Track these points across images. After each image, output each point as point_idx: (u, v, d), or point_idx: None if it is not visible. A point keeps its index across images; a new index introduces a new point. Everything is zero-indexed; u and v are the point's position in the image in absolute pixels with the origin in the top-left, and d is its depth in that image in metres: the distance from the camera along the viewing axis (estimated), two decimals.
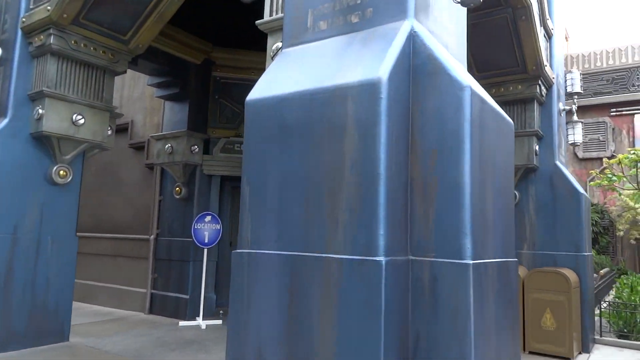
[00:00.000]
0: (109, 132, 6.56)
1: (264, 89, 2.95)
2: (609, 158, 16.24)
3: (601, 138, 17.57)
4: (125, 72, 6.94)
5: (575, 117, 7.25)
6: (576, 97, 7.14)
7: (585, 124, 18.69)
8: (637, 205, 14.33)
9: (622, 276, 13.37)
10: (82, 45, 5.82)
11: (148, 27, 6.17)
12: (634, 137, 16.60)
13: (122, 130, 9.37)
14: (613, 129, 16.74)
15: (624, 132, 16.75)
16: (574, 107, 7.21)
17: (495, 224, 2.73)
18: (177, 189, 8.00)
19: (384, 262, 2.24)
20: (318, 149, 2.53)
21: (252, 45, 8.28)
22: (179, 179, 7.96)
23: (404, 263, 2.43)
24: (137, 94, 9.29)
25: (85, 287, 9.16)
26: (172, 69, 7.68)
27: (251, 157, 2.81)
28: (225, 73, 8.32)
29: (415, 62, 2.64)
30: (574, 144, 7.06)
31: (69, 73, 5.82)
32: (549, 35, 7.03)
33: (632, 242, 15.70)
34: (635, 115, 16.70)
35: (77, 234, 6.32)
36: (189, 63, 7.88)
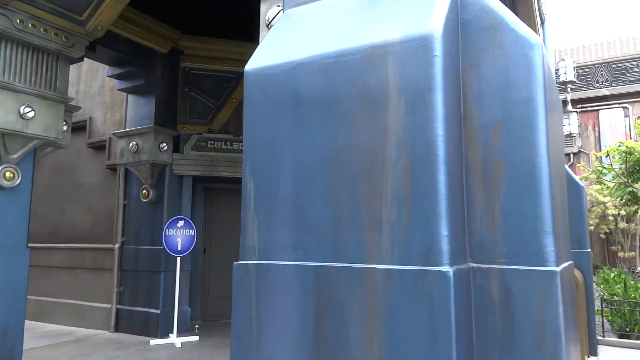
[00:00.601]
0: (65, 128, 5.74)
1: (267, 56, 2.32)
2: (575, 154, 16.42)
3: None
4: (82, 59, 6.14)
5: (569, 107, 6.94)
6: (570, 85, 6.83)
7: None
8: (605, 200, 14.44)
9: (596, 271, 13.40)
10: (29, 25, 4.99)
11: (108, 7, 5.40)
12: (599, 132, 16.80)
13: (79, 128, 8.47)
14: (579, 125, 16.90)
15: (590, 128, 16.93)
16: (568, 97, 6.90)
17: (563, 219, 2.21)
18: (144, 191, 7.21)
19: (451, 274, 1.66)
20: (348, 125, 1.94)
21: (224, 34, 7.60)
22: (146, 180, 7.17)
23: (466, 272, 1.87)
24: (95, 87, 8.40)
25: (41, 305, 8.20)
26: (135, 58, 6.89)
27: (255, 141, 2.18)
28: (195, 63, 7.60)
29: (465, 15, 2.08)
30: (569, 135, 6.74)
31: (15, 58, 4.98)
32: (542, 21, 6.69)
33: (602, 236, 15.87)
34: (600, 111, 16.92)
35: (29, 244, 5.47)
36: (154, 52, 7.11)
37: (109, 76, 7.20)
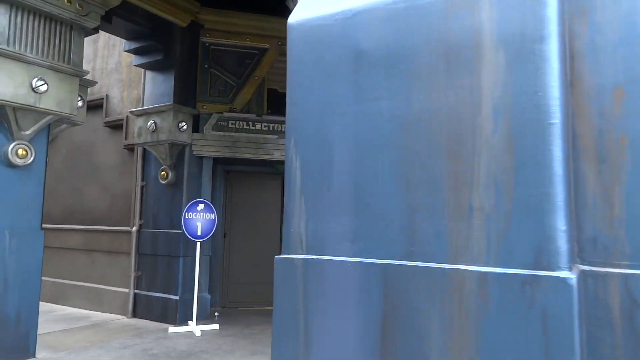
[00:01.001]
0: (80, 104, 5.42)
1: (316, 4, 1.90)
2: None
3: None
4: (97, 31, 5.78)
5: None
6: None
7: None
8: None
9: None
10: None
11: None
12: None
13: (96, 106, 8.17)
14: None
15: None
16: None
17: None
18: (163, 172, 6.89)
19: (574, 281, 1.26)
20: (424, 86, 1.52)
21: (246, 7, 7.16)
22: (165, 161, 6.84)
23: (579, 277, 1.46)
24: (112, 64, 8.07)
25: (57, 287, 8.01)
26: (153, 32, 6.51)
27: (302, 109, 1.78)
28: (216, 38, 7.19)
29: None
30: None
31: (26, 27, 4.64)
32: None
33: None
34: None
35: (44, 226, 5.20)
36: (173, 25, 6.72)
37: (126, 51, 6.84)
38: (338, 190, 1.64)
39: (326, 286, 1.62)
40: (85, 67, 8.29)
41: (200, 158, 7.07)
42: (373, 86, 1.61)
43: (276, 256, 1.76)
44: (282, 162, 7.45)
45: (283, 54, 7.41)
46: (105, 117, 7.97)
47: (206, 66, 7.13)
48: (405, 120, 1.54)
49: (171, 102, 6.57)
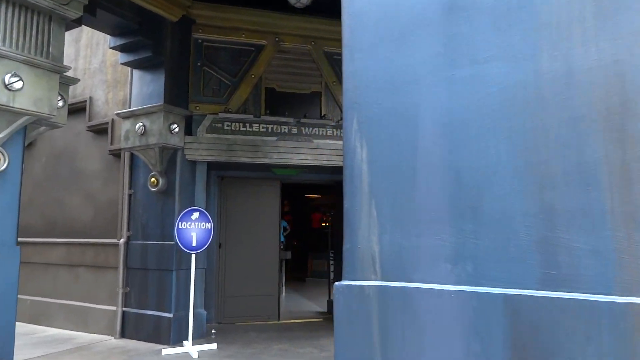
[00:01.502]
0: (60, 103, 4.87)
1: None
2: None
3: None
4: (80, 23, 5.26)
5: None
6: None
7: None
8: None
9: None
10: None
11: None
12: None
13: (78, 110, 7.60)
14: None
15: None
16: None
17: None
18: (153, 179, 6.34)
19: None
20: (564, 35, 1.06)
21: (240, 1, 6.69)
22: (155, 166, 6.30)
23: None
24: (96, 64, 7.51)
25: (38, 306, 7.38)
26: (141, 27, 5.99)
27: (368, 77, 1.30)
28: (209, 34, 6.69)
29: None
30: None
31: None
32: None
33: None
34: None
35: (21, 240, 4.63)
36: (163, 20, 6.21)
37: (112, 48, 6.31)
38: (429, 190, 1.17)
39: (416, 326, 1.14)
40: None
41: (194, 163, 6.55)
42: (478, 43, 1.15)
43: (336, 283, 1.28)
44: (281, 166, 6.96)
45: (281, 50, 6.95)
46: (89, 120, 7.39)
47: (199, 64, 6.63)
48: (530, 88, 1.08)
49: (161, 103, 6.05)
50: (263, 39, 6.85)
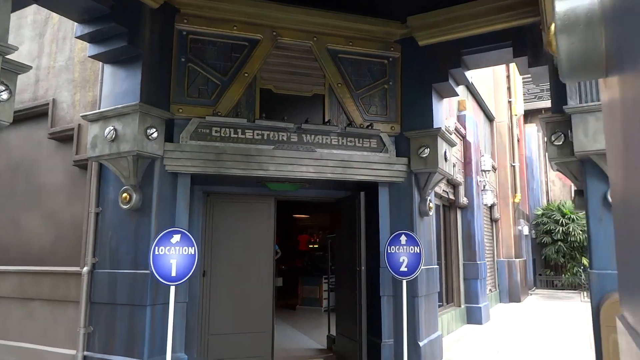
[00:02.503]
0: (4, 96, 3.81)
1: None
2: None
3: None
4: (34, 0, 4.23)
5: None
6: None
7: None
8: None
9: None
10: None
11: None
12: None
13: (39, 115, 6.52)
14: None
15: None
16: None
17: None
18: (125, 195, 5.26)
19: None
20: None
21: None
22: (128, 179, 5.22)
23: None
24: (61, 61, 6.46)
25: None
26: (114, 12, 4.98)
27: None
28: (195, 26, 5.73)
29: None
30: None
31: None
32: None
33: None
34: None
35: None
36: (141, 5, 5.23)
37: (78, 37, 5.27)
38: None
39: None
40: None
41: (175, 175, 5.50)
42: None
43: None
44: (278, 180, 5.95)
45: (279, 47, 6.02)
46: (51, 127, 6.30)
47: (183, 60, 5.64)
48: None
49: (137, 102, 5.02)
50: (258, 33, 5.92)
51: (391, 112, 6.37)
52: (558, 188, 22.09)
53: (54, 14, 6.51)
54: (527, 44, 5.71)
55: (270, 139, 5.73)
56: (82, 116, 5.43)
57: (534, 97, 21.60)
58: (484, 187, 11.47)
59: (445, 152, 6.27)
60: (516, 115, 16.18)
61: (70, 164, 6.07)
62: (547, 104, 18.48)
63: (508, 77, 16.08)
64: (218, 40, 5.82)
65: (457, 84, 6.51)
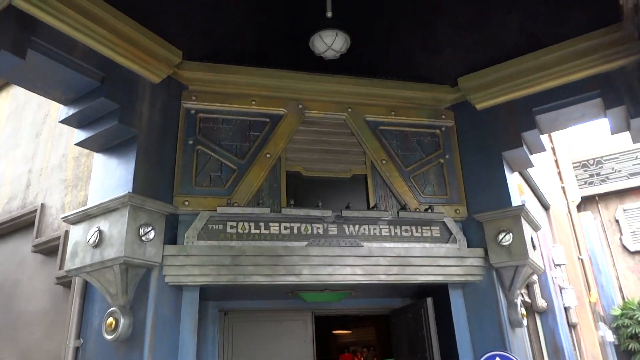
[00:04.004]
0: None
1: None
2: None
3: None
4: None
5: None
6: None
7: (626, 210, 16.02)
8: None
9: None
10: None
11: None
12: None
13: (24, 227, 5.45)
14: None
15: None
16: None
17: None
18: (110, 321, 3.85)
19: None
20: None
21: (249, 59, 4.92)
22: (115, 298, 3.87)
23: None
24: (55, 160, 5.54)
25: None
26: (104, 85, 4.03)
27: None
28: (207, 103, 4.76)
29: None
30: None
31: None
32: None
33: None
34: None
35: None
36: (138, 79, 4.32)
37: (62, 121, 4.29)
38: None
39: None
40: (20, 168, 5.77)
41: (179, 289, 4.13)
42: None
43: None
44: (314, 289, 4.50)
45: (307, 121, 4.96)
46: (36, 237, 5.17)
47: (191, 142, 4.58)
48: None
49: (128, 192, 3.84)
50: (281, 107, 4.90)
51: (453, 192, 5.02)
52: (632, 282, 19.38)
53: (53, 110, 5.76)
54: (622, 90, 4.47)
55: (301, 232, 4.39)
56: (62, 218, 4.27)
57: (584, 183, 20.00)
58: (562, 285, 9.53)
59: (532, 239, 4.76)
60: (573, 201, 14.57)
61: (52, 282, 4.80)
62: (600, 189, 16.82)
63: (556, 161, 14.78)
64: (233, 117, 4.80)
65: (531, 152, 5.19)
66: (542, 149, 5.23)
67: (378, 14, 5.20)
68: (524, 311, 4.77)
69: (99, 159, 4.46)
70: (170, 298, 4.05)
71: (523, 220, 4.64)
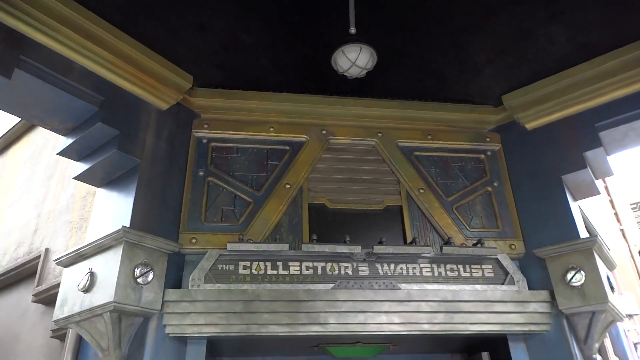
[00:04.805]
0: None
1: None
2: None
3: None
4: None
5: None
6: None
7: None
8: None
9: None
10: None
11: None
12: None
13: (27, 276, 5.03)
14: None
15: None
16: None
17: None
18: None
19: None
20: None
21: (266, 85, 4.50)
22: (106, 354, 3.26)
23: None
24: (63, 201, 5.16)
25: None
26: (104, 109, 3.65)
27: None
28: (219, 131, 4.31)
29: None
30: None
31: None
32: None
33: None
34: None
35: None
36: (142, 104, 3.93)
37: (60, 153, 3.92)
38: None
39: None
40: (31, 213, 5.42)
41: (182, 342, 3.48)
42: None
43: None
44: (343, 342, 3.76)
45: (332, 148, 4.41)
46: (37, 285, 4.71)
47: (201, 173, 4.09)
48: None
49: (122, 227, 3.32)
50: (302, 134, 4.39)
51: (505, 224, 4.26)
52: None
53: None
54: None
55: (326, 273, 3.71)
56: (55, 261, 3.78)
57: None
58: (635, 340, 8.24)
59: (608, 278, 3.90)
60: (635, 245, 13.19)
61: (49, 335, 4.27)
62: None
63: (611, 201, 13.56)
64: (249, 146, 4.31)
65: (596, 176, 4.42)
66: (609, 172, 4.44)
67: (408, 35, 4.72)
68: None
69: (100, 194, 4.01)
70: (171, 353, 3.41)
71: (596, 256, 3.81)
